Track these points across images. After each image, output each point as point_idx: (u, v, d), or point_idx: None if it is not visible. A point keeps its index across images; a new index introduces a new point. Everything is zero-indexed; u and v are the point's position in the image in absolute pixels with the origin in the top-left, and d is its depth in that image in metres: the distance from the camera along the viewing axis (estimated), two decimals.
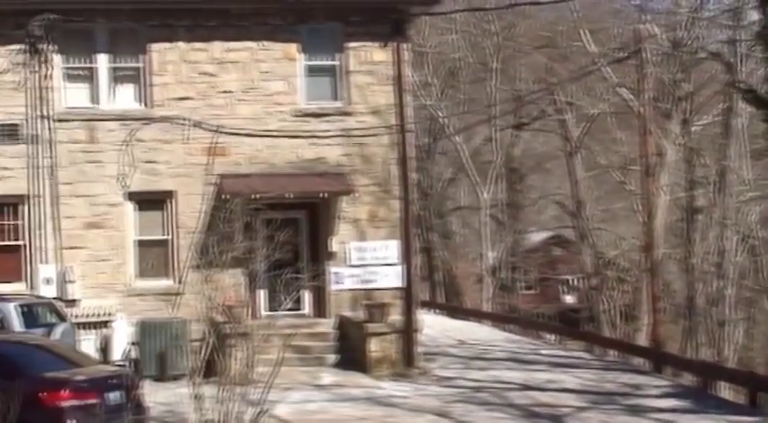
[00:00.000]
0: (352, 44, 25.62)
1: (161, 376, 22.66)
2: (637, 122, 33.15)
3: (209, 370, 15.02)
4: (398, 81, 25.56)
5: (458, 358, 27.21)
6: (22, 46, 24.29)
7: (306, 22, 25.52)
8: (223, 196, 23.73)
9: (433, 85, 53.69)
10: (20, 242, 24.59)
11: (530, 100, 50.61)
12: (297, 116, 25.35)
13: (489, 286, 54.23)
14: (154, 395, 18.34)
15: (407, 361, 24.05)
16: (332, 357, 24.18)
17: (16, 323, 20.08)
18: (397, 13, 25.55)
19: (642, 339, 38.57)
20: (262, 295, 24.81)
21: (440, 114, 52.82)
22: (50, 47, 24.40)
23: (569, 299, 61.49)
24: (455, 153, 55.74)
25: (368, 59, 25.67)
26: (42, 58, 24.44)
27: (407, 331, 24.42)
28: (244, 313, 19.72)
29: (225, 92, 25.14)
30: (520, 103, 51.62)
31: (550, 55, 49.23)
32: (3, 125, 24.46)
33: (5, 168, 24.44)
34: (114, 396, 14.95)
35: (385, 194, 25.65)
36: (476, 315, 43.73)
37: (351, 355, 23.98)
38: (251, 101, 25.22)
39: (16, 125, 24.50)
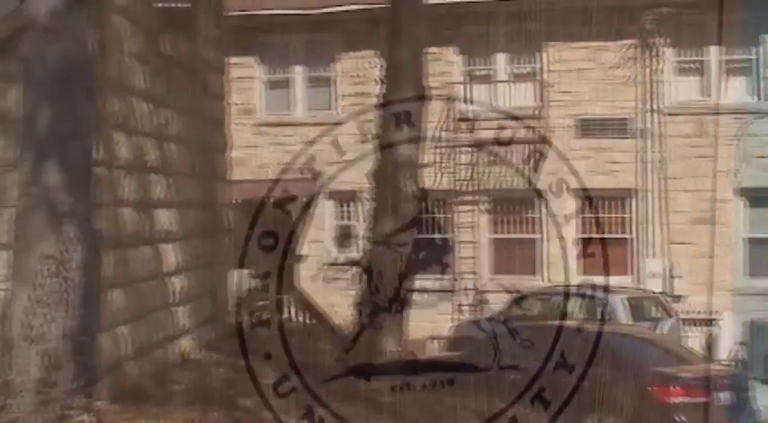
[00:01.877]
0: None
1: None
2: None
3: None
4: None
5: None
6: (634, 41, 24.51)
7: None
8: None
9: None
10: (626, 235, 24.87)
11: None
12: None
13: None
14: (763, 398, 17.60)
15: None
16: None
17: (622, 316, 20.28)
18: None
19: None
20: None
21: None
22: (662, 40, 24.39)
23: None
24: None
25: None
26: (653, 53, 24.49)
27: None
28: None
29: None
30: None
31: None
32: (612, 120, 24.87)
33: (614, 162, 24.82)
34: (724, 396, 14.57)
35: None
36: None
37: None
38: None
39: (625, 120, 24.80)
